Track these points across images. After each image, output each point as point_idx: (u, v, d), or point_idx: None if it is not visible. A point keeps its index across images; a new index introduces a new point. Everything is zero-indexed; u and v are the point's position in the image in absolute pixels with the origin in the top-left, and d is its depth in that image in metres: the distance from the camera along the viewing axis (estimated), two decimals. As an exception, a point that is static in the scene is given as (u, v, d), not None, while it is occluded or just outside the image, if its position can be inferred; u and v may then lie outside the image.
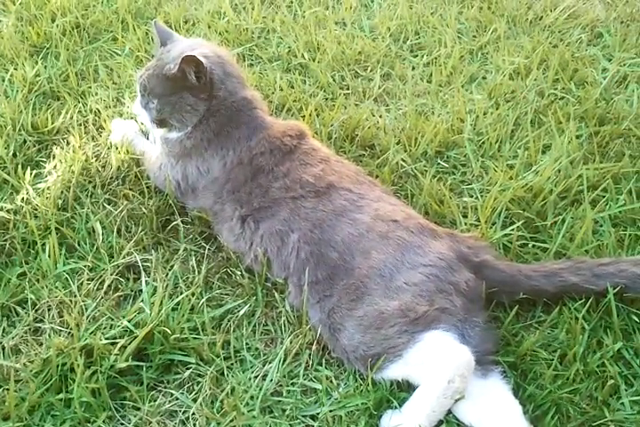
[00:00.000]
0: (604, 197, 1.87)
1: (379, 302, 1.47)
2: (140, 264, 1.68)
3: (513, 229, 1.76)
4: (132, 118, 2.10)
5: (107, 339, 1.49)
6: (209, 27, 2.55)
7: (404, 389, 1.46)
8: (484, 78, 2.37)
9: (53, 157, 1.97)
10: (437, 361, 1.39)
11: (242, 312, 1.61)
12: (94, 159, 1.96)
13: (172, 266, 1.70)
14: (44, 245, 1.70)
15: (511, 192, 1.84)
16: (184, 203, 1.84)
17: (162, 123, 1.78)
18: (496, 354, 1.49)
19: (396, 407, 1.43)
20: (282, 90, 2.24)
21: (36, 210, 1.80)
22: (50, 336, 1.53)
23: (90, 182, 1.90)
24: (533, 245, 1.76)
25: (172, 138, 1.80)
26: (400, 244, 1.54)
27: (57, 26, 2.49)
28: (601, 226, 1.80)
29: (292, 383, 1.49)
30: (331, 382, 1.49)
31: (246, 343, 1.56)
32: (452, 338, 1.43)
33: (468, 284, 1.50)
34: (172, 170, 1.80)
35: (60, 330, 1.54)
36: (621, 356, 1.54)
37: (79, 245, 1.73)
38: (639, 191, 1.89)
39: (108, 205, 1.84)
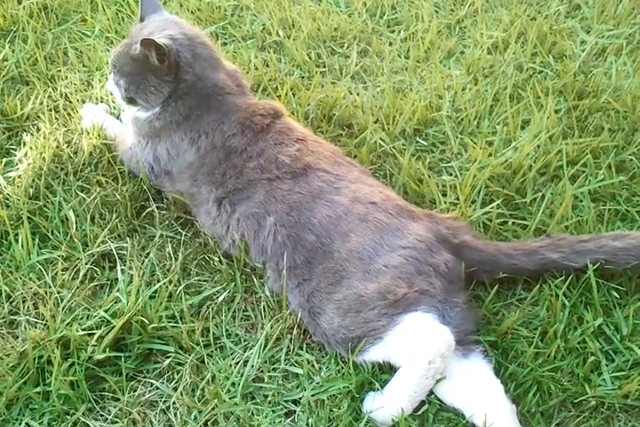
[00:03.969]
0: (583, 172, 1.86)
1: (358, 286, 1.46)
2: (115, 252, 1.65)
3: (492, 207, 1.75)
4: (102, 102, 2.05)
5: (83, 330, 1.47)
6: (181, 5, 2.48)
7: (386, 371, 1.45)
8: (462, 53, 2.34)
9: (24, 145, 1.92)
10: (418, 342, 1.38)
11: (221, 299, 1.59)
12: (66, 145, 1.91)
13: (148, 253, 1.68)
14: (16, 235, 1.66)
15: (490, 169, 1.82)
16: (161, 186, 1.80)
17: (131, 100, 1.75)
18: (477, 333, 1.49)
19: (378, 390, 1.42)
20: (257, 69, 2.19)
21: (8, 199, 1.76)
22: (25, 329, 1.51)
23: (62, 169, 1.85)
24: (513, 223, 1.75)
25: (141, 117, 1.76)
26: (379, 226, 1.53)
27: (24, 8, 2.41)
28: (581, 201, 1.79)
29: (273, 369, 1.48)
30: (312, 366, 1.48)
31: (226, 330, 1.55)
32: (433, 319, 1.42)
33: (447, 265, 1.49)
34: (143, 151, 1.76)
35: (36, 322, 1.52)
36: (602, 332, 1.54)
37: (52, 234, 1.70)
38: (618, 165, 1.88)
39: (81, 192, 1.79)
